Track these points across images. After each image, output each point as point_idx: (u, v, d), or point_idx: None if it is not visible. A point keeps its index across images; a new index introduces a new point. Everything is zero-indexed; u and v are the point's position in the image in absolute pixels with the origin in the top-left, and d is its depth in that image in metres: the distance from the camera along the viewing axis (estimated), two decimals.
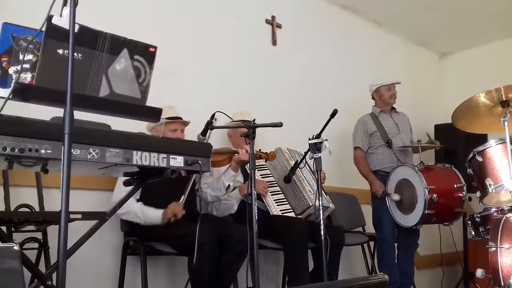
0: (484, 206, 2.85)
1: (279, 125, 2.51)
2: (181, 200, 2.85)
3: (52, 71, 1.55)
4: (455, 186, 3.42)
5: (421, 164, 3.60)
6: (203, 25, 3.75)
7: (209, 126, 2.63)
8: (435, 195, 3.32)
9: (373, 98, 4.13)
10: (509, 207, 2.64)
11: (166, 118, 2.89)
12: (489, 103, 2.71)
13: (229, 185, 3.04)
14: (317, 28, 4.65)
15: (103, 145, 1.68)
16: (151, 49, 1.82)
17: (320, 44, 4.65)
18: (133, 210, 2.77)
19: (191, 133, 2.98)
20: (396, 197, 3.56)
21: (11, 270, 1.04)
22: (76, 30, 1.45)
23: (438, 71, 6.16)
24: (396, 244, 3.90)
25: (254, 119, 2.74)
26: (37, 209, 2.61)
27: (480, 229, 3.00)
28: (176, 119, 3.00)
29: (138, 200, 2.81)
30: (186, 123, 3.06)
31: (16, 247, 1.08)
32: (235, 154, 2.96)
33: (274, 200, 3.32)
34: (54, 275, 1.58)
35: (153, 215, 2.79)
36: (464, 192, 3.41)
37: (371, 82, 4.13)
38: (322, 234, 2.68)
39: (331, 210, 3.44)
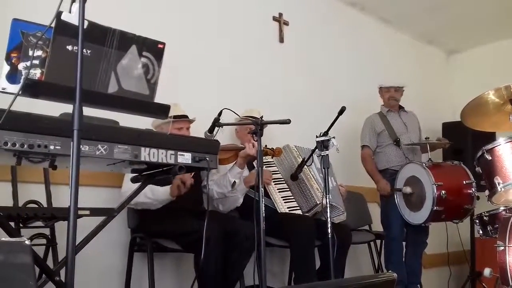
0: (493, 204, 2.82)
1: (287, 122, 2.50)
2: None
3: (61, 67, 1.56)
4: (464, 182, 3.41)
5: (430, 161, 3.58)
6: (210, 22, 3.75)
7: (217, 123, 2.63)
8: (443, 192, 3.30)
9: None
10: None
11: (173, 117, 2.88)
12: (498, 101, 2.69)
13: (234, 181, 3.04)
14: (324, 25, 4.64)
15: (111, 142, 1.69)
16: (160, 46, 1.82)
17: (328, 41, 4.64)
18: (143, 191, 2.73)
19: (197, 130, 2.98)
20: (408, 189, 3.52)
21: (23, 265, 1.05)
22: (85, 27, 1.45)
23: (446, 69, 6.12)
24: (404, 243, 3.89)
25: (262, 116, 2.74)
26: (45, 205, 2.62)
27: (488, 228, 2.98)
28: (182, 118, 3.00)
29: None
30: (191, 121, 3.06)
31: (27, 242, 1.08)
32: (241, 151, 2.96)
33: (282, 197, 3.31)
34: (62, 271, 1.59)
35: (161, 191, 2.72)
36: (473, 189, 3.38)
37: (380, 80, 4.13)
38: (329, 232, 2.68)
39: (342, 219, 3.41)
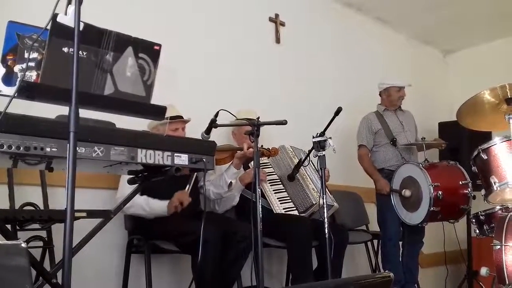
0: (489, 204, 2.83)
1: (283, 123, 2.50)
2: (186, 189, 2.83)
3: (57, 69, 1.56)
4: (460, 183, 3.42)
5: (426, 161, 3.59)
6: (206, 23, 3.75)
7: (213, 124, 2.63)
8: (440, 192, 3.31)
9: (380, 95, 4.12)
10: None
11: (169, 118, 2.88)
12: (493, 100, 2.70)
13: (231, 182, 3.04)
14: (321, 26, 4.64)
15: (108, 143, 1.70)
16: (156, 47, 1.82)
17: (324, 42, 4.64)
18: (138, 203, 2.73)
19: (194, 131, 2.98)
20: (407, 192, 3.53)
21: (19, 267, 1.05)
22: (81, 28, 1.45)
23: (443, 69, 6.14)
24: (401, 242, 3.90)
25: (258, 117, 2.74)
26: (41, 207, 2.62)
27: (485, 227, 2.98)
28: (177, 119, 3.00)
29: (142, 194, 2.77)
30: (186, 121, 3.07)
31: (23, 244, 1.08)
32: (237, 151, 2.96)
33: (278, 198, 3.31)
34: (59, 273, 1.59)
35: (158, 206, 2.77)
36: (469, 189, 3.40)
37: (381, 79, 4.12)
38: (326, 232, 2.68)
39: (335, 209, 3.43)
